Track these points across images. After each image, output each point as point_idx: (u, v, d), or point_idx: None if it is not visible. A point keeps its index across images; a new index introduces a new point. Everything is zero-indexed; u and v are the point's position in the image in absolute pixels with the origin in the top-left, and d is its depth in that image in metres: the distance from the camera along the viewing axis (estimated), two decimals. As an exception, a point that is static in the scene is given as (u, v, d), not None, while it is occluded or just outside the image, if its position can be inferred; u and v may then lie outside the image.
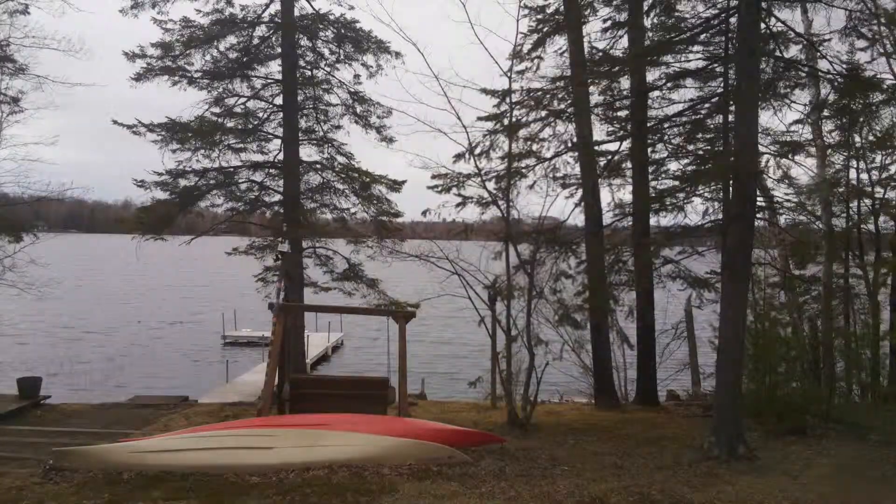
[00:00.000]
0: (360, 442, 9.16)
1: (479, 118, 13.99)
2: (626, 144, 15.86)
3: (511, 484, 8.48)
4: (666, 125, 15.02)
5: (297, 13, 18.48)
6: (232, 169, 18.71)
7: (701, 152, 14.75)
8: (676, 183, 14.92)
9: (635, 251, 15.15)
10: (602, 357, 14.99)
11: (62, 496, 7.85)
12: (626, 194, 16.22)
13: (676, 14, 13.35)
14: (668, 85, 14.51)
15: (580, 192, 15.24)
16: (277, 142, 18.97)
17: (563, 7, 15.26)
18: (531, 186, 14.55)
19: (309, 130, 19.61)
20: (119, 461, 8.74)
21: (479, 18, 12.08)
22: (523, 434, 11.38)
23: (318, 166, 19.49)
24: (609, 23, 16.09)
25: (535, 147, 15.18)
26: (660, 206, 14.11)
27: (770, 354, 12.46)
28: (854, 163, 13.82)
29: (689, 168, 14.84)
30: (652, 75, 15.07)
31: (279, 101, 18.94)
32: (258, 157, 19.11)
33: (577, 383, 17.07)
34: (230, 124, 18.54)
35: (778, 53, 12.22)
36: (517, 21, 13.07)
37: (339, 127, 19.61)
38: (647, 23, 15.09)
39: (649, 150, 15.56)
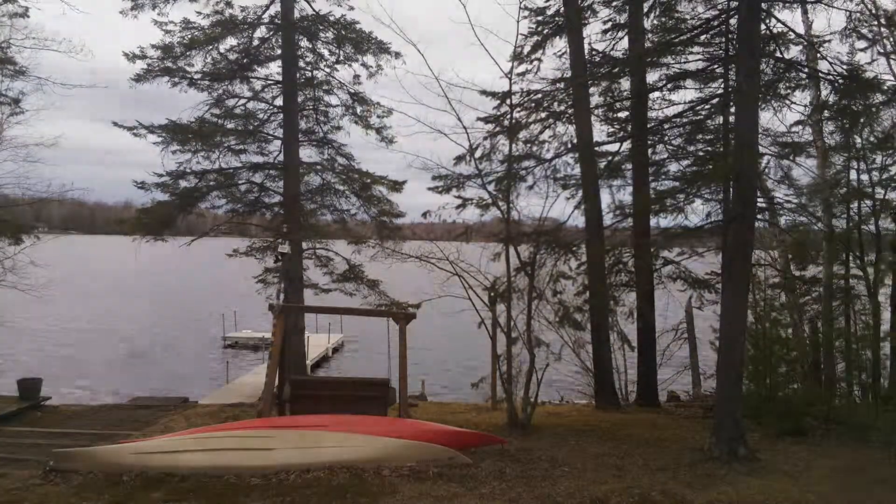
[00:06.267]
0: (360, 443, 9.15)
1: (479, 118, 14.01)
2: (627, 145, 15.87)
3: (511, 485, 8.48)
4: (666, 126, 15.03)
5: (297, 14, 18.49)
6: (232, 170, 18.72)
7: (701, 153, 14.74)
8: (676, 184, 14.92)
9: (635, 252, 15.15)
10: (602, 358, 14.98)
11: (63, 497, 7.85)
12: (627, 195, 16.24)
13: (676, 15, 13.35)
14: (669, 86, 14.49)
15: (580, 193, 15.23)
16: (277, 143, 18.98)
17: (563, 9, 15.27)
18: (531, 188, 14.55)
19: (309, 131, 19.62)
20: (119, 462, 8.74)
21: (479, 20, 12.08)
22: (524, 435, 11.38)
23: (319, 167, 19.51)
24: (609, 24, 16.10)
25: (535, 148, 15.20)
26: (660, 207, 14.09)
27: (771, 355, 12.45)
28: (854, 164, 13.81)
29: (690, 169, 14.83)
30: (652, 76, 15.07)
31: (279, 102, 18.95)
32: (258, 159, 19.15)
33: (578, 384, 17.07)
34: (230, 125, 18.55)
35: (778, 54, 12.21)
36: (517, 22, 13.07)
37: (339, 128, 19.64)
38: (647, 24, 15.10)
39: (649, 151, 15.56)
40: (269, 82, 19.12)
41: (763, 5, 10.60)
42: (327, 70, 19.29)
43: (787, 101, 12.92)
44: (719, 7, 12.20)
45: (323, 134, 19.65)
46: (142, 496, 7.90)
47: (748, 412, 11.45)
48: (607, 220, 15.88)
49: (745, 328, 10.94)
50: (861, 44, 12.87)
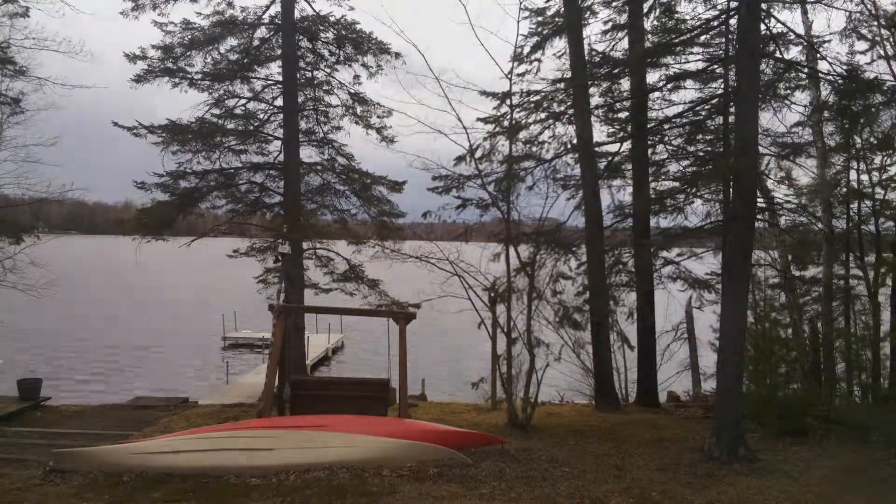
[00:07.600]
0: (360, 443, 9.16)
1: (479, 119, 14.02)
2: (627, 146, 15.89)
3: (511, 485, 8.48)
4: (666, 126, 15.02)
5: (297, 15, 18.49)
6: (232, 170, 18.72)
7: (701, 153, 14.74)
8: (677, 184, 14.92)
9: (635, 252, 15.16)
10: (602, 358, 14.98)
11: (63, 497, 7.86)
12: (627, 195, 16.27)
13: (676, 16, 13.35)
14: (669, 86, 14.48)
15: (580, 193, 15.24)
16: (278, 143, 18.98)
17: (563, 9, 15.27)
18: (531, 188, 14.57)
19: (309, 132, 19.62)
20: (119, 463, 8.75)
21: (479, 20, 12.11)
22: (524, 435, 11.38)
23: (319, 167, 19.51)
24: (609, 25, 16.14)
25: (534, 149, 15.21)
26: (660, 207, 14.09)
27: (770, 356, 12.45)
28: (854, 164, 13.82)
29: (690, 169, 14.84)
30: (652, 77, 15.09)
31: (279, 102, 18.96)
32: (258, 159, 19.14)
33: (578, 384, 17.06)
34: (230, 126, 18.56)
35: (778, 55, 12.22)
36: (517, 23, 13.10)
37: (339, 128, 19.65)
38: (647, 25, 15.12)
39: (649, 151, 15.57)
40: (270, 82, 19.12)
41: (763, 6, 10.60)
42: (327, 70, 19.32)
43: (787, 102, 12.92)
44: (719, 7, 12.20)
45: (323, 134, 19.67)
46: (142, 496, 7.90)
47: (748, 412, 11.46)
48: (607, 220, 15.91)
49: (745, 328, 10.94)
50: (861, 45, 12.89)
